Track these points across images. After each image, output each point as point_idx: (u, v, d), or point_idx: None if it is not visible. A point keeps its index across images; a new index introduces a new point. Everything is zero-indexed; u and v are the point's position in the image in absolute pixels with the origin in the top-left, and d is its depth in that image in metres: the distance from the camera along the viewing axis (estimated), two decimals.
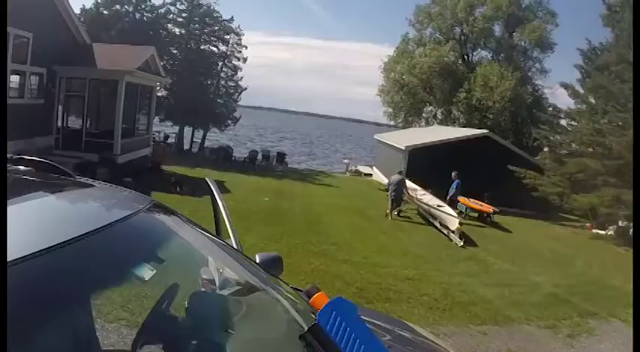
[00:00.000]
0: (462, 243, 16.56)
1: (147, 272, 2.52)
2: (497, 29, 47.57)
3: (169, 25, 47.27)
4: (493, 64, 44.33)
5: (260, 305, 3.02)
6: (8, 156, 3.14)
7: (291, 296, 3.05)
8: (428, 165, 26.34)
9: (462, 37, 48.25)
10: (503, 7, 44.96)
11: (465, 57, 48.82)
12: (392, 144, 33.50)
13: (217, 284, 2.99)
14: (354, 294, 9.75)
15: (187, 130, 47.72)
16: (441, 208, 19.49)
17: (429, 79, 46.43)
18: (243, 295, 3.06)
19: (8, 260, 1.69)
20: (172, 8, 46.78)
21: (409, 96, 48.48)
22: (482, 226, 21.46)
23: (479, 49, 49.14)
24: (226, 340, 2.63)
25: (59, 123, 22.68)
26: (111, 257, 2.36)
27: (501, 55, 46.40)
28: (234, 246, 3.65)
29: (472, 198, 23.22)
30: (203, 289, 2.99)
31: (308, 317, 2.80)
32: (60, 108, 22.65)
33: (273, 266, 3.51)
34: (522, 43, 46.67)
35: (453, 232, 17.38)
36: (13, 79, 19.03)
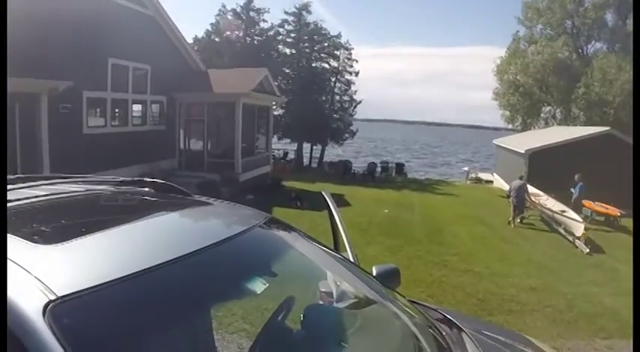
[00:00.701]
0: (587, 250, 15.80)
1: (259, 285, 2.61)
2: (610, 18, 44.68)
3: (280, 46, 48.55)
4: (610, 56, 41.45)
5: (376, 318, 3.02)
6: (130, 178, 3.43)
7: (408, 310, 3.03)
8: (550, 167, 25.48)
9: (574, 30, 45.60)
10: None
11: (580, 51, 46.23)
12: (511, 148, 32.66)
13: (335, 296, 3.05)
14: (475, 306, 9.62)
15: (306, 147, 48.41)
16: (564, 213, 18.84)
17: (544, 77, 44.53)
18: (360, 308, 3.09)
19: (131, 272, 1.87)
20: (281, 30, 48.22)
21: (525, 98, 46.77)
22: (609, 231, 20.23)
23: (593, 41, 46.30)
24: None
25: (181, 146, 23.83)
26: (225, 270, 2.47)
27: (617, 45, 43.39)
28: (351, 258, 3.69)
29: (597, 200, 22.08)
30: (321, 302, 3.05)
31: (425, 331, 2.81)
32: (181, 132, 23.74)
33: (390, 278, 3.48)
34: None
35: (578, 238, 16.62)
36: (136, 108, 20.32)
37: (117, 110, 19.37)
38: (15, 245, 1.86)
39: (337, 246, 4.12)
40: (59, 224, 2.48)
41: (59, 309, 1.60)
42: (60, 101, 15.16)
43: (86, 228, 2.20)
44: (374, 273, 3.46)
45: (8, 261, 1.73)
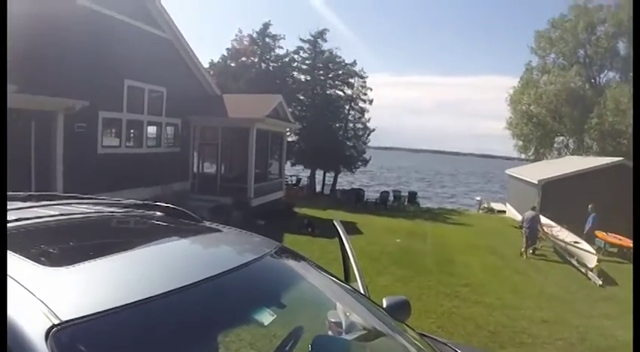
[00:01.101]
0: (600, 282, 15.60)
1: (267, 317, 2.57)
2: (622, 47, 44.14)
3: (295, 73, 48.76)
4: (622, 85, 41.00)
5: (384, 351, 2.98)
6: (141, 202, 3.41)
7: (418, 343, 2.98)
8: (563, 198, 25.39)
9: (587, 60, 45.56)
10: (624, 21, 41.17)
11: (592, 80, 46.03)
12: (524, 178, 32.51)
13: (344, 327, 2.98)
14: (486, 338, 9.50)
15: (319, 174, 48.31)
16: (577, 245, 18.61)
17: (557, 107, 44.43)
18: (369, 340, 3.02)
19: (138, 298, 1.83)
20: (296, 56, 48.48)
21: (538, 128, 46.58)
22: (622, 262, 19.85)
23: (605, 71, 46.11)
24: None
25: (195, 169, 23.96)
26: (233, 300, 2.45)
27: (630, 74, 41.50)
28: (361, 289, 3.63)
29: (611, 231, 21.78)
30: (330, 332, 2.98)
31: None
32: (195, 155, 23.89)
33: (400, 310, 3.41)
34: None
35: (591, 270, 16.43)
36: (151, 130, 20.43)
37: (132, 131, 19.50)
38: (21, 266, 1.85)
39: (347, 277, 4.08)
40: (67, 246, 2.48)
41: (63, 334, 1.57)
42: (76, 120, 15.24)
43: (94, 252, 2.19)
44: (384, 305, 3.39)
45: (13, 282, 1.72)
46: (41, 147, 13.88)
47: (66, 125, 14.48)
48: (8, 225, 2.28)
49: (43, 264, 1.91)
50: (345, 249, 4.07)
